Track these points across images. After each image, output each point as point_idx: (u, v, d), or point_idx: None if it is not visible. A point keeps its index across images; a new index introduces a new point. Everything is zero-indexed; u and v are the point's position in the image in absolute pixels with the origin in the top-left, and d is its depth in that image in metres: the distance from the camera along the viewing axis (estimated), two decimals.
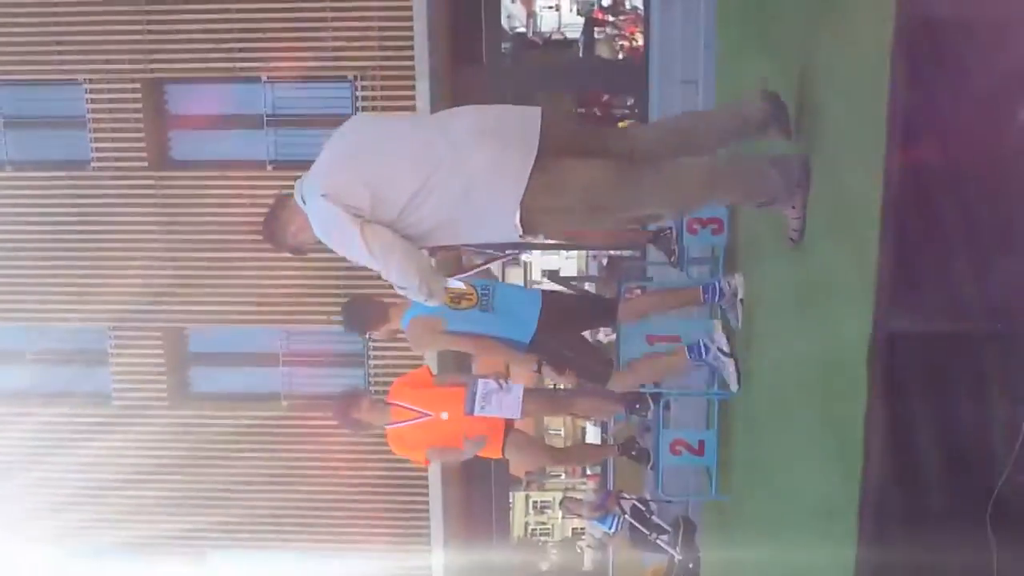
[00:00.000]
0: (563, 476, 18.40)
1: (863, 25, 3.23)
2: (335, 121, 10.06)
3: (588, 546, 17.80)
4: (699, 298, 5.52)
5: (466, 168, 3.61)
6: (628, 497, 7.99)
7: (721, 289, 5.35)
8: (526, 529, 23.26)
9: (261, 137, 10.45)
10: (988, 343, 2.87)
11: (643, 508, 7.81)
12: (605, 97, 15.64)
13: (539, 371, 5.44)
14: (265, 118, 10.41)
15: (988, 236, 2.83)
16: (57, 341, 11.05)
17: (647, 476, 7.85)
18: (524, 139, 3.61)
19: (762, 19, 5.35)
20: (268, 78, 10.31)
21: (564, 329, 5.47)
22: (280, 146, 10.51)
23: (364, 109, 10.17)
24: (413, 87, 10.09)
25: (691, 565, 7.51)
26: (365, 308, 5.66)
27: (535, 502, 23.27)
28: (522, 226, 3.66)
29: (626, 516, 7.74)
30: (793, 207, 3.89)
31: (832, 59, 3.72)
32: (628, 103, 15.21)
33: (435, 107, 10.08)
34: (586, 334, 6.18)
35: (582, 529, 16.81)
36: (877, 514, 3.03)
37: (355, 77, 10.17)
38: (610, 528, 8.15)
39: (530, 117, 3.69)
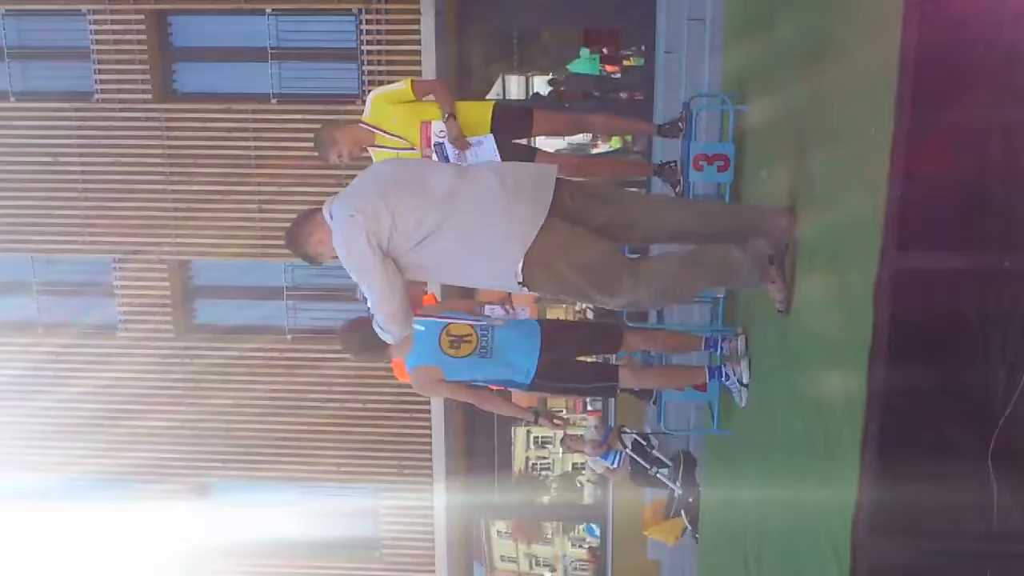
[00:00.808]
0: (564, 412, 18.54)
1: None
2: (339, 55, 10.22)
3: (588, 480, 18.02)
4: (699, 346, 5.75)
5: (482, 217, 3.90)
6: (629, 431, 8.09)
7: (722, 346, 5.57)
8: (527, 464, 23.49)
9: (265, 70, 10.40)
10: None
11: (644, 443, 7.92)
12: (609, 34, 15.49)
13: (536, 422, 5.76)
14: (270, 51, 10.35)
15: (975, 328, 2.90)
16: (63, 272, 11.10)
17: (649, 411, 7.93)
18: (538, 196, 3.91)
19: None
20: (273, 10, 10.23)
21: (564, 367, 5.52)
22: (284, 80, 10.47)
23: (368, 43, 10.12)
24: (419, 21, 10.03)
25: (691, 499, 7.63)
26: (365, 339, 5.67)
27: (536, 437, 23.48)
28: (522, 274, 3.93)
29: (627, 451, 7.84)
30: (773, 282, 4.07)
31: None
32: (636, 46, 15.09)
33: (439, 42, 10.04)
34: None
35: (582, 464, 16.99)
36: (879, 451, 3.09)
37: (360, 11, 10.10)
38: (612, 463, 8.27)
39: (546, 177, 3.97)
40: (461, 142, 5.89)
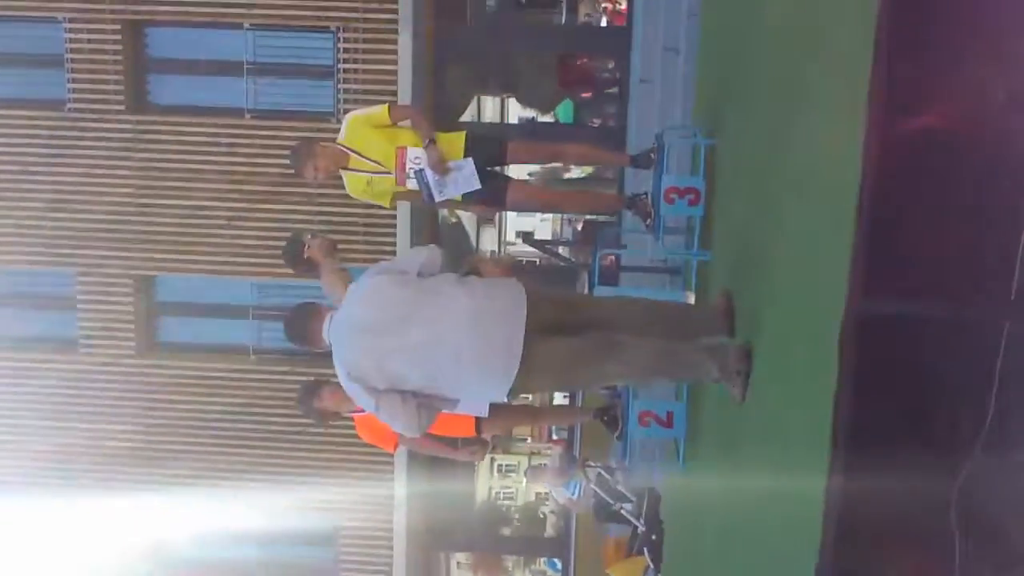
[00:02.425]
0: (529, 440, 18.44)
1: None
2: (316, 72, 10.16)
3: (551, 511, 17.95)
4: None
5: (465, 370, 4.23)
6: (593, 465, 8.03)
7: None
8: (490, 492, 23.37)
9: (241, 85, 10.34)
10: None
11: (608, 476, 7.86)
12: (584, 60, 15.57)
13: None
14: (246, 66, 10.29)
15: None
16: (25, 285, 10.95)
17: (614, 443, 7.89)
18: (511, 339, 4.18)
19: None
20: (251, 25, 10.18)
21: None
22: (259, 95, 10.42)
23: (345, 61, 10.09)
24: (396, 41, 10.01)
25: (654, 537, 7.56)
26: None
27: (500, 465, 23.38)
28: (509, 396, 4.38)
29: (591, 484, 7.78)
30: (734, 387, 4.28)
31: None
32: (610, 66, 15.16)
33: (417, 63, 10.02)
34: None
35: (546, 495, 16.94)
36: (847, 473, 3.06)
37: (338, 28, 10.08)
38: (574, 494, 8.21)
39: (517, 308, 4.22)
40: (442, 167, 5.85)
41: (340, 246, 9.61)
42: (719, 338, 4.50)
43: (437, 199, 5.95)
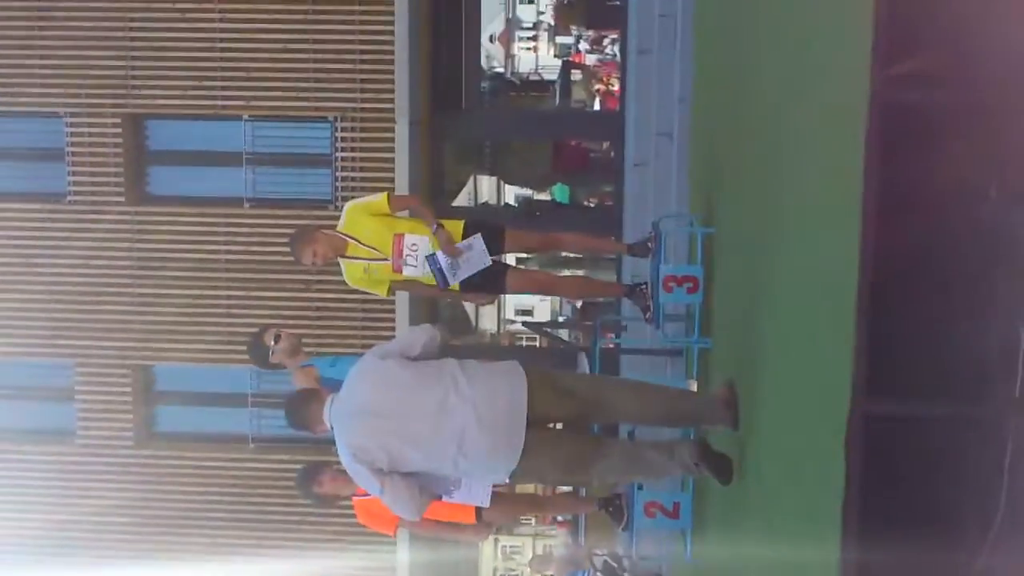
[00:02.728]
0: (533, 522, 18.28)
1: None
2: (314, 160, 10.29)
3: None
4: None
5: (466, 457, 4.33)
6: (600, 553, 7.95)
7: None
8: (494, 574, 23.09)
9: (239, 175, 10.45)
10: None
11: (615, 565, 7.79)
12: (579, 143, 15.77)
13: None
14: (245, 156, 10.41)
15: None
16: (23, 376, 10.94)
17: (620, 535, 7.84)
18: (512, 431, 4.30)
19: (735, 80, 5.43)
20: (249, 116, 10.32)
21: None
22: (258, 184, 10.53)
23: (343, 150, 10.22)
24: (392, 129, 10.14)
25: None
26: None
27: (504, 546, 23.12)
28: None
29: (598, 573, 7.71)
30: (702, 474, 4.56)
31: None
32: (603, 146, 15.35)
33: (413, 150, 10.15)
34: None
35: None
36: (857, 567, 3.05)
37: (335, 118, 10.22)
38: None
39: (518, 398, 4.32)
40: (452, 249, 5.92)
41: (338, 333, 9.70)
42: (722, 427, 4.59)
43: (451, 282, 5.99)
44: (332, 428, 4.40)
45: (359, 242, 5.99)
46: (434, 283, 6.04)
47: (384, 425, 4.30)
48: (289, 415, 4.62)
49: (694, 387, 5.46)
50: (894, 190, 3.01)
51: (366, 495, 5.71)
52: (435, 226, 5.95)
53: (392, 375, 4.37)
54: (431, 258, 5.94)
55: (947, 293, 3.03)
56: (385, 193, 6.17)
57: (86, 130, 10.33)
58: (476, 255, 6.01)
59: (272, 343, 5.82)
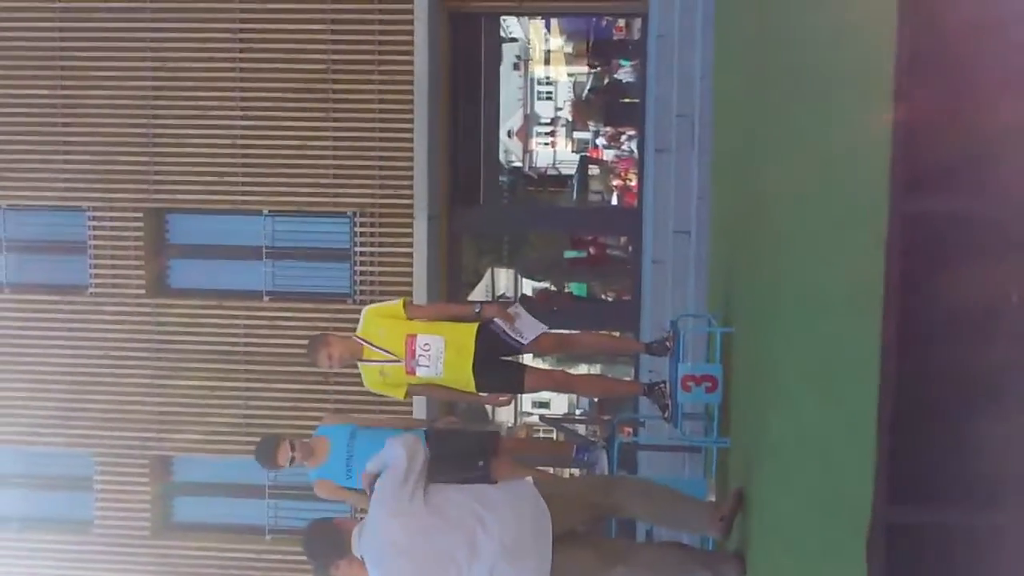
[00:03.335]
0: None
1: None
2: (333, 255, 10.38)
3: None
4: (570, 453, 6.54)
5: None
6: None
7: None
8: None
9: (259, 268, 10.57)
10: None
11: None
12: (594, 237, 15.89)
13: None
14: (264, 250, 10.53)
15: None
16: (42, 466, 10.95)
17: None
18: (541, 555, 4.41)
19: (751, 180, 5.49)
20: (269, 211, 10.47)
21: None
22: (277, 278, 10.63)
23: (362, 244, 10.33)
24: (411, 225, 10.26)
25: None
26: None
27: None
28: None
29: None
30: None
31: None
32: (621, 240, 15.46)
33: (431, 245, 10.25)
34: None
35: None
36: None
37: (354, 213, 10.35)
38: None
39: (542, 529, 4.44)
40: (507, 315, 6.09)
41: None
42: (712, 535, 4.94)
43: (525, 343, 6.14)
44: (363, 559, 4.51)
45: (373, 345, 6.04)
46: (448, 385, 6.07)
47: (415, 567, 4.42)
48: (312, 550, 4.68)
49: (712, 487, 5.43)
50: (915, 292, 3.03)
51: None
52: (478, 307, 6.16)
53: (418, 516, 4.45)
54: (494, 326, 6.04)
55: (970, 397, 3.02)
56: (402, 299, 6.26)
57: (108, 224, 10.48)
58: (528, 320, 6.16)
59: (289, 454, 5.88)
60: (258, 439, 10.23)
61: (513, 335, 6.07)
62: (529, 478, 4.73)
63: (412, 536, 4.43)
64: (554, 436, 15.68)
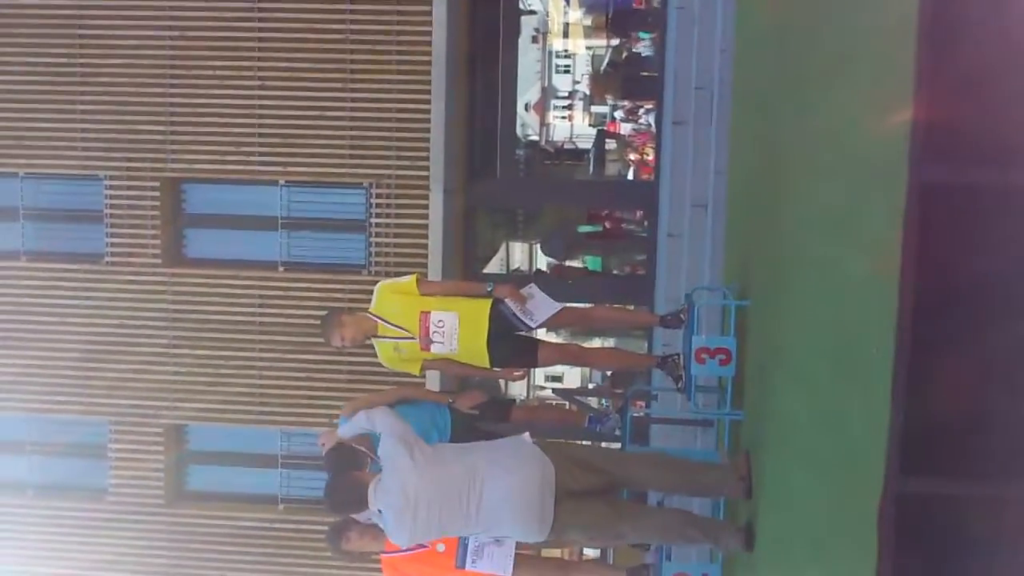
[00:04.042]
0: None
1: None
2: (348, 226, 10.38)
3: None
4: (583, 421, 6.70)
5: (499, 534, 4.87)
6: None
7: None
8: None
9: (274, 238, 10.58)
10: None
11: None
12: (609, 212, 15.83)
13: None
14: (280, 220, 10.54)
15: None
16: (58, 433, 11.03)
17: None
18: (543, 509, 4.58)
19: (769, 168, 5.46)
20: (285, 181, 10.47)
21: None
22: (293, 248, 10.64)
23: (377, 215, 10.32)
24: (427, 196, 10.24)
25: None
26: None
27: None
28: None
29: None
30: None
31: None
32: (638, 215, 15.41)
33: (447, 217, 10.23)
34: None
35: None
36: None
37: (370, 184, 10.33)
38: None
39: (546, 481, 4.58)
40: (517, 296, 6.03)
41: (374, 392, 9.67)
42: (736, 497, 4.96)
43: (533, 325, 6.11)
44: (380, 512, 4.69)
45: (387, 322, 6.03)
46: (463, 360, 6.06)
47: (426, 515, 4.62)
48: (335, 502, 4.91)
49: (724, 458, 5.42)
50: (932, 265, 3.01)
51: (395, 552, 5.71)
52: (489, 286, 6.07)
53: (426, 469, 4.63)
54: (503, 307, 5.98)
55: (985, 370, 3.00)
56: (415, 275, 6.21)
57: (125, 192, 10.50)
58: (541, 300, 6.10)
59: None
60: (270, 410, 10.42)
61: (523, 317, 6.02)
62: (526, 433, 4.81)
63: (422, 486, 4.59)
64: (567, 406, 15.62)
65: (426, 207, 10.24)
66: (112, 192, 10.51)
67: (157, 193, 10.49)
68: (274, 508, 10.81)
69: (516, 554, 5.50)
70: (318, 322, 6.35)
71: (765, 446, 4.87)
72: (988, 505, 2.97)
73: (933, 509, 3.01)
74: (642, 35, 17.37)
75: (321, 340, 9.89)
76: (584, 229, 15.14)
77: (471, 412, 6.47)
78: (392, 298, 6.03)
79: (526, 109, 23.77)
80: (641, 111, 19.82)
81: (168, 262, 10.57)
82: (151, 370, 10.59)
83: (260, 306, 10.46)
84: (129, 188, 10.49)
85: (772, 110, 5.71)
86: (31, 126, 10.47)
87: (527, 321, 6.04)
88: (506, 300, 6.01)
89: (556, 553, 11.58)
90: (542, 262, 16.74)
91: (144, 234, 10.52)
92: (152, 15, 10.30)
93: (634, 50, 19.05)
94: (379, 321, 6.02)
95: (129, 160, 10.44)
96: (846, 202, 3.74)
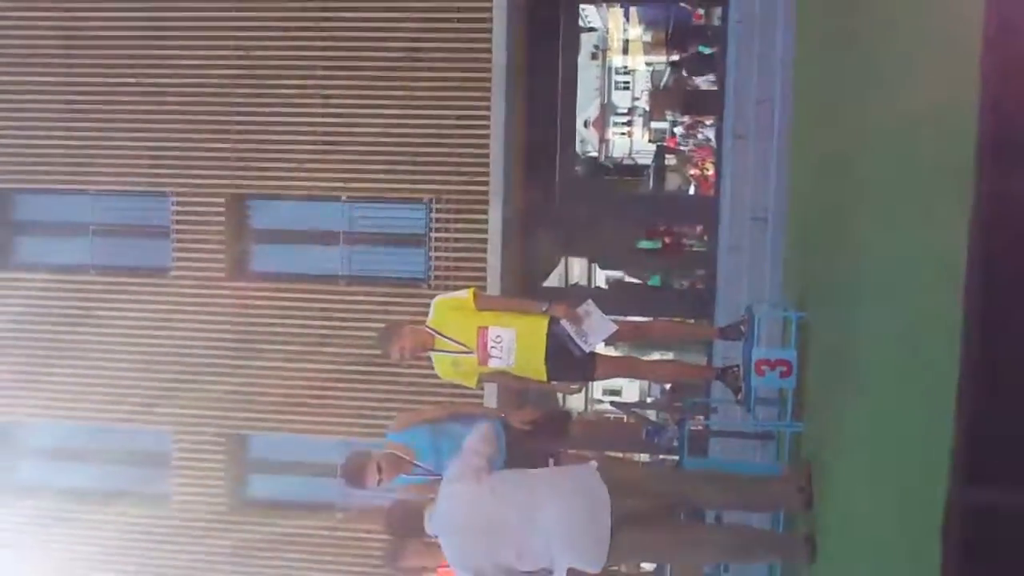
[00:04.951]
0: None
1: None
2: (409, 240, 10.48)
3: None
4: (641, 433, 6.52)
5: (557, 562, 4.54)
6: None
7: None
8: None
9: (336, 253, 10.72)
10: None
11: None
12: (668, 227, 15.77)
13: None
14: (342, 235, 10.68)
15: None
16: (121, 441, 11.25)
17: None
18: (599, 536, 4.46)
19: (836, 173, 5.43)
20: (347, 197, 10.60)
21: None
22: (354, 262, 10.78)
23: (438, 230, 10.41)
24: (486, 212, 10.32)
25: None
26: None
27: None
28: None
29: None
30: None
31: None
32: (698, 230, 15.37)
33: (506, 232, 10.29)
34: None
35: None
36: None
37: (431, 200, 10.43)
38: None
39: (601, 507, 4.48)
40: (574, 315, 5.97)
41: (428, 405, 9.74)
42: (794, 508, 4.90)
43: (588, 349, 6.03)
44: (436, 536, 4.70)
45: (445, 336, 6.05)
46: (520, 374, 6.06)
47: (476, 539, 4.56)
48: (392, 527, 4.94)
49: (784, 471, 5.38)
50: (999, 272, 2.97)
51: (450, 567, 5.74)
52: (545, 305, 6.04)
53: (481, 493, 4.59)
54: (559, 328, 5.97)
55: None
56: (471, 289, 6.20)
57: (191, 208, 10.71)
58: (598, 320, 6.01)
59: (376, 477, 5.85)
60: (331, 420, 10.51)
61: (577, 339, 5.98)
62: (593, 462, 4.74)
63: (474, 510, 4.55)
64: (624, 420, 15.61)
65: (485, 222, 10.32)
66: (179, 208, 10.72)
67: (223, 209, 10.69)
68: (332, 516, 10.91)
69: (572, 572, 5.49)
70: (377, 333, 6.41)
71: (826, 458, 4.83)
72: None
73: (1000, 523, 2.97)
74: (702, 49, 17.31)
75: (380, 352, 10.09)
76: (644, 245, 15.12)
77: (524, 427, 6.45)
78: (449, 313, 6.05)
79: (585, 126, 23.80)
80: (700, 126, 19.75)
81: (232, 276, 10.76)
82: (213, 380, 10.75)
83: (322, 319, 10.59)
84: (196, 204, 10.70)
85: (835, 120, 5.68)
86: (101, 144, 10.73)
87: (581, 344, 6.00)
88: (561, 322, 6.00)
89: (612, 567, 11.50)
90: (601, 278, 16.72)
91: (210, 249, 10.72)
92: (218, 34, 10.52)
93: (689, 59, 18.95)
94: (436, 335, 6.06)
95: (196, 177, 10.64)
96: (910, 211, 3.72)
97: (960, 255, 2.98)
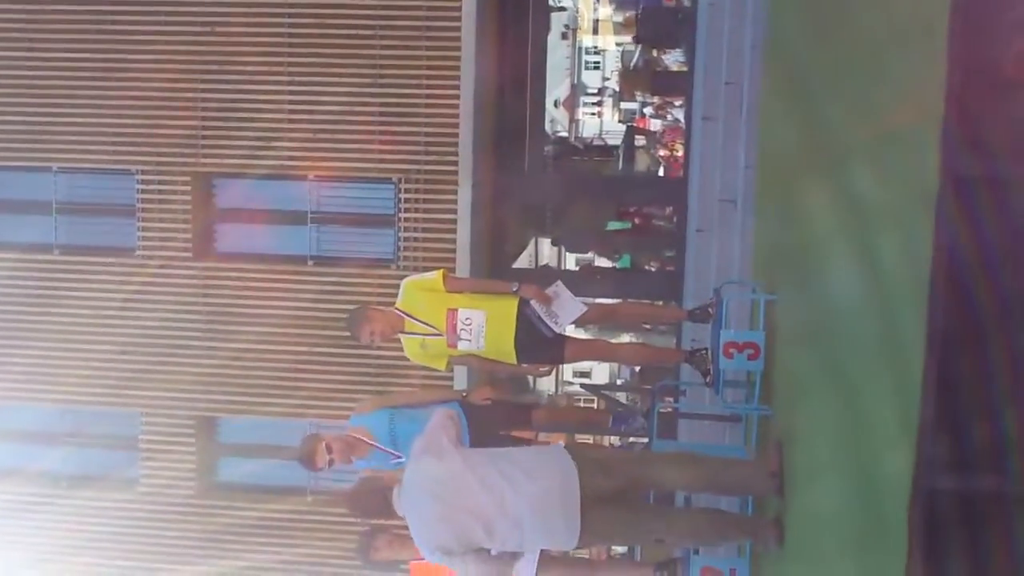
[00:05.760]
0: None
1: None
2: (377, 220, 10.42)
3: None
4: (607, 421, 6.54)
5: (526, 541, 4.59)
6: None
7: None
8: None
9: (304, 233, 10.63)
10: None
11: None
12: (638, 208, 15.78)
13: None
14: (309, 215, 10.60)
15: None
16: (90, 424, 11.15)
17: None
18: (568, 515, 4.49)
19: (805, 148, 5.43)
20: (315, 177, 10.52)
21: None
22: (322, 243, 10.69)
23: (406, 210, 10.35)
24: (455, 191, 10.27)
25: None
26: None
27: None
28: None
29: None
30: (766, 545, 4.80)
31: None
32: (667, 211, 15.37)
33: (475, 212, 10.25)
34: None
35: None
36: None
37: (399, 179, 10.37)
38: None
39: (570, 488, 4.49)
40: (543, 296, 5.99)
41: (399, 390, 9.73)
42: (765, 493, 4.92)
43: (558, 330, 6.03)
44: (403, 516, 4.67)
45: (414, 318, 6.03)
46: (489, 357, 6.06)
47: (445, 514, 4.51)
48: (357, 509, 4.95)
49: (751, 454, 5.40)
50: (964, 258, 2.98)
51: (424, 559, 5.73)
52: (515, 286, 6.03)
53: (453, 462, 4.57)
54: (529, 309, 5.97)
55: (1016, 366, 2.98)
56: (440, 271, 6.18)
57: (156, 187, 10.59)
58: (567, 301, 6.04)
59: (327, 458, 5.84)
60: (301, 403, 10.47)
61: (548, 320, 6.00)
62: (561, 441, 4.76)
63: (441, 487, 4.51)
64: (595, 404, 15.63)
65: (455, 202, 10.26)
66: (144, 187, 10.60)
67: (188, 188, 10.57)
68: (303, 500, 10.87)
69: (544, 554, 5.49)
70: (346, 316, 6.37)
71: (794, 441, 4.85)
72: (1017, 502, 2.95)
73: (965, 505, 2.99)
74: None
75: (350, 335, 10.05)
76: (613, 226, 15.13)
77: (484, 403, 6.46)
78: (419, 295, 6.03)
79: (555, 105, 23.78)
80: (670, 107, 19.77)
81: (199, 256, 10.65)
82: (182, 362, 10.67)
83: (290, 299, 10.52)
84: (161, 182, 10.58)
85: (803, 104, 5.69)
86: (64, 121, 10.57)
87: (551, 325, 6.02)
88: (531, 301, 6.00)
89: (583, 552, 11.56)
90: (570, 259, 16.72)
91: (175, 228, 10.61)
92: (183, 11, 10.37)
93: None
94: (406, 317, 6.03)
95: (161, 155, 10.52)
96: (877, 195, 3.72)
97: (927, 240, 2.99)
